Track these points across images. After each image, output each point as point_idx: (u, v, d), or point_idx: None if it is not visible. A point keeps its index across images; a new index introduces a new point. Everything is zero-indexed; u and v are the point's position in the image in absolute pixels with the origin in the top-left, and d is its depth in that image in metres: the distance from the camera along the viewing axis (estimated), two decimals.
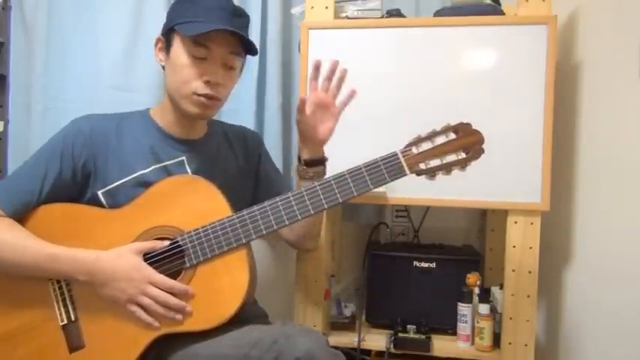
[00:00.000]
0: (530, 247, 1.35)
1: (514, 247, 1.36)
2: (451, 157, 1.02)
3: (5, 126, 1.71)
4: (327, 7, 1.45)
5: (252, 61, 1.65)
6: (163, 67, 1.15)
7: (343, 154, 1.42)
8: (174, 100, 1.13)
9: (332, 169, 1.42)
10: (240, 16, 1.13)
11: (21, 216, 1.06)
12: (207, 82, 1.09)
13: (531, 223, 1.35)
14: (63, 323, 1.04)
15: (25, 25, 1.70)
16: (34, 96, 1.66)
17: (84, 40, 1.68)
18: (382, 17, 1.47)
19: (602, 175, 1.31)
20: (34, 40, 1.67)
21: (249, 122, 1.66)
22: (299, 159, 1.21)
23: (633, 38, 1.16)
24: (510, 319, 1.37)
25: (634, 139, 1.17)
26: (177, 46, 1.09)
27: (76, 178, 1.10)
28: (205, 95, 1.09)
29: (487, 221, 1.74)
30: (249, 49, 1.14)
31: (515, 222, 1.36)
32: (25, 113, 1.69)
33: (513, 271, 1.37)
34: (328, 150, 1.43)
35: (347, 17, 1.47)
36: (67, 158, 1.09)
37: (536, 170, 1.33)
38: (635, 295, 1.14)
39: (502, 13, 1.43)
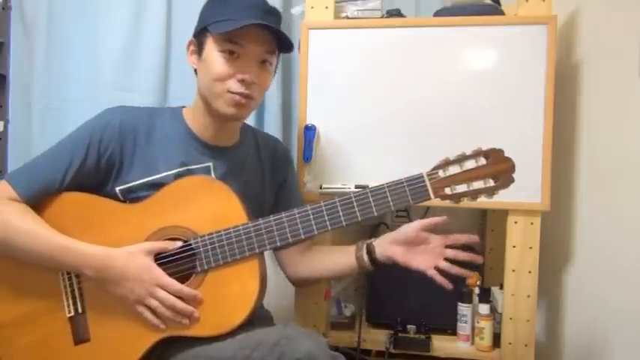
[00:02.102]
0: (530, 247, 1.35)
1: (514, 247, 1.36)
2: (479, 184, 0.99)
3: (5, 126, 1.71)
4: (327, 7, 1.44)
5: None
6: (195, 71, 1.14)
7: (343, 153, 1.43)
8: (206, 100, 1.11)
9: (332, 166, 1.43)
10: (274, 14, 1.11)
11: (37, 202, 1.05)
12: (241, 81, 1.07)
13: (531, 223, 1.35)
14: (70, 315, 1.04)
15: (25, 25, 1.70)
16: (34, 96, 1.66)
17: (84, 39, 1.68)
18: (382, 17, 1.47)
19: (602, 174, 1.31)
20: (34, 40, 1.67)
21: (249, 122, 1.65)
22: (368, 245, 1.16)
23: (633, 38, 1.16)
24: (510, 319, 1.37)
25: (634, 138, 1.17)
26: (210, 46, 1.08)
27: (99, 170, 1.08)
28: (240, 94, 1.07)
29: (487, 221, 1.74)
30: (283, 45, 1.12)
31: (515, 222, 1.36)
32: (25, 113, 1.69)
33: (513, 271, 1.37)
34: (328, 148, 1.44)
35: (347, 17, 1.46)
36: (93, 148, 1.07)
37: (536, 170, 1.33)
38: (635, 295, 1.14)
39: (502, 13, 1.43)
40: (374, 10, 1.46)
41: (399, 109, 1.40)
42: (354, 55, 1.42)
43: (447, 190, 1.00)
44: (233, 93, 1.07)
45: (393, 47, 1.40)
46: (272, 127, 1.68)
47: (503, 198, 1.33)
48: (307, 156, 1.43)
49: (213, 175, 1.14)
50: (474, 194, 0.99)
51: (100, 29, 1.67)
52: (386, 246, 1.14)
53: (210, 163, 1.14)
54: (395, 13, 1.49)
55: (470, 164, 0.99)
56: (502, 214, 1.45)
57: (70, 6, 1.67)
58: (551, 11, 1.34)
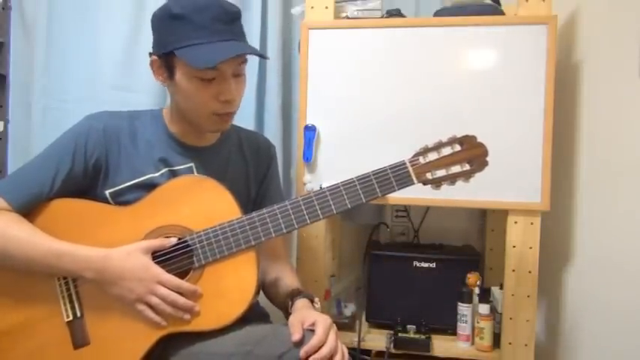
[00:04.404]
0: (530, 247, 1.35)
1: (514, 247, 1.36)
2: (456, 169, 1.04)
3: (5, 126, 1.71)
4: (327, 7, 1.45)
5: (252, 62, 1.64)
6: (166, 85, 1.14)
7: (343, 153, 1.43)
8: (188, 117, 1.12)
9: (332, 166, 1.43)
10: (237, 19, 1.08)
11: (28, 211, 1.05)
12: (225, 102, 1.08)
13: (531, 223, 1.35)
14: (68, 319, 1.04)
15: (25, 25, 1.70)
16: (34, 96, 1.66)
17: (84, 39, 1.68)
18: (382, 17, 1.47)
19: (602, 174, 1.31)
20: (34, 40, 1.67)
21: (249, 122, 1.66)
22: (291, 297, 1.11)
23: (633, 37, 1.16)
24: (510, 319, 1.37)
25: (634, 138, 1.17)
26: (182, 72, 1.06)
27: (86, 174, 1.09)
28: (225, 114, 1.09)
29: (487, 221, 1.74)
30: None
31: (515, 222, 1.36)
32: (25, 113, 1.69)
33: (513, 271, 1.37)
34: (328, 148, 1.44)
35: (347, 17, 1.47)
36: (79, 154, 1.08)
37: (536, 170, 1.33)
38: (635, 295, 1.14)
39: (502, 13, 1.43)
40: (374, 10, 1.46)
41: (399, 108, 1.40)
42: (354, 55, 1.42)
43: (428, 175, 1.04)
44: (219, 114, 1.09)
45: (393, 47, 1.40)
46: (272, 127, 1.68)
47: (503, 198, 1.35)
48: (307, 156, 1.43)
49: (196, 174, 1.14)
50: (453, 178, 1.04)
51: (100, 29, 1.67)
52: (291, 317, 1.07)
53: (192, 164, 1.15)
54: (395, 13, 1.49)
55: (446, 151, 1.05)
56: (502, 214, 1.45)
57: (70, 6, 1.68)
58: (551, 11, 1.34)
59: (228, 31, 1.06)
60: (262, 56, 1.13)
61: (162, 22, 1.08)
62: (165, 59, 1.08)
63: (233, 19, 1.07)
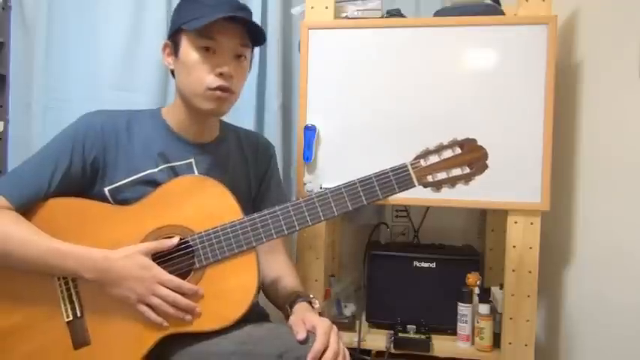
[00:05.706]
0: (530, 247, 1.35)
1: (514, 247, 1.36)
2: (456, 171, 1.05)
3: (5, 126, 1.71)
4: (327, 7, 1.45)
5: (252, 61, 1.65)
6: (172, 72, 1.15)
7: (343, 153, 1.43)
8: (187, 99, 1.12)
9: (332, 166, 1.43)
10: (244, 10, 1.13)
11: (27, 209, 1.05)
12: (220, 75, 1.08)
13: (531, 223, 1.35)
14: (68, 320, 1.03)
15: (25, 25, 1.71)
16: (34, 96, 1.66)
17: (84, 39, 1.68)
18: (382, 17, 1.47)
19: (602, 174, 1.31)
20: (34, 40, 1.67)
21: (249, 122, 1.66)
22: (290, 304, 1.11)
23: (633, 38, 1.16)
24: (510, 319, 1.37)
25: (634, 138, 1.17)
26: (185, 45, 1.10)
27: (85, 173, 1.09)
28: (219, 87, 1.08)
29: (487, 221, 1.74)
30: (255, 39, 1.13)
31: (515, 222, 1.36)
32: (25, 113, 1.69)
33: (513, 271, 1.37)
34: (327, 148, 1.44)
35: (347, 17, 1.47)
36: (77, 152, 1.08)
37: (536, 170, 1.33)
38: (635, 295, 1.14)
39: (502, 13, 1.43)
40: (374, 10, 1.46)
41: (399, 108, 1.40)
42: (354, 55, 1.42)
43: (429, 178, 1.05)
44: (212, 89, 1.09)
45: (393, 47, 1.40)
46: (272, 127, 1.69)
47: (504, 198, 1.35)
48: (307, 156, 1.43)
49: (195, 171, 1.14)
50: (453, 181, 1.05)
51: (100, 29, 1.67)
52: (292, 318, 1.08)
53: (192, 160, 1.15)
54: (395, 13, 1.49)
55: (447, 153, 1.06)
56: (502, 214, 1.45)
57: (70, 6, 1.68)
58: (551, 11, 1.34)
59: (234, 10, 1.08)
60: (257, 38, 1.13)
61: (177, 8, 1.14)
62: (173, 39, 1.13)
63: (241, 7, 1.12)
